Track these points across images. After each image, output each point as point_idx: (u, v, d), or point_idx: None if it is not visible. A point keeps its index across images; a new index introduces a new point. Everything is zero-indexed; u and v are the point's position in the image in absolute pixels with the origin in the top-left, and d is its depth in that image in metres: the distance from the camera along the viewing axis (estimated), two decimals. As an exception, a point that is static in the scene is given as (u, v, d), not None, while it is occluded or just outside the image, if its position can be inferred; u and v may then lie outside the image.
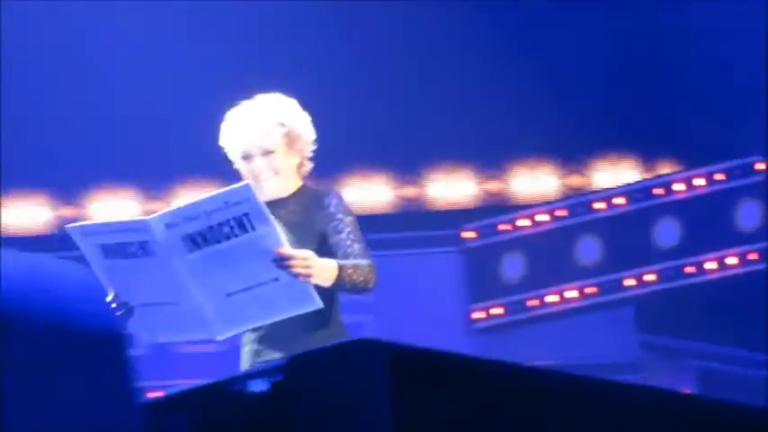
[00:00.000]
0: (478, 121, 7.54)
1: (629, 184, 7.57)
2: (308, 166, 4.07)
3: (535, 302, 7.35)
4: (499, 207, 7.61)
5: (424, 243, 7.49)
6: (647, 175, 7.72)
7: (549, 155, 7.65)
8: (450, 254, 7.40)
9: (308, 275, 3.74)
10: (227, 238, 3.83)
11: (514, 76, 7.67)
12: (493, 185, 7.63)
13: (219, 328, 3.98)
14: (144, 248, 3.94)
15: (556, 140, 7.62)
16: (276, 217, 3.95)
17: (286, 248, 3.81)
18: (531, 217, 7.40)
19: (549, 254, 7.40)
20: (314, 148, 4.07)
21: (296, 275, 3.77)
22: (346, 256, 3.93)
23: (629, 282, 7.39)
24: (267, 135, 3.99)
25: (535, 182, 7.65)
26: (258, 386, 1.94)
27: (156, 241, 3.89)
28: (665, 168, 7.74)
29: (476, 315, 7.32)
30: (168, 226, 3.87)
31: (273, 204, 3.99)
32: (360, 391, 1.86)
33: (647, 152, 7.90)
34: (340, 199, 4.06)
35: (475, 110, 7.59)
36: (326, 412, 1.90)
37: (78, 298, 1.75)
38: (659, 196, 7.45)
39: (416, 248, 7.40)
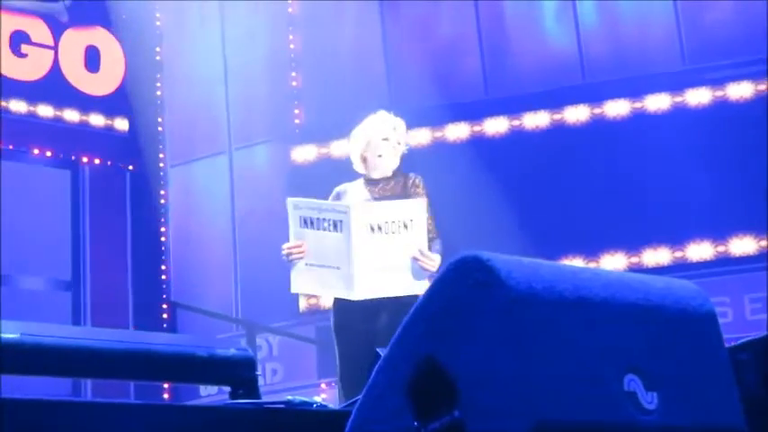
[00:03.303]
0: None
1: None
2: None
3: None
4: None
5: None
6: None
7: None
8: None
9: (431, 270, 4.49)
10: (393, 232, 4.50)
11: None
12: None
13: (360, 292, 4.52)
14: (335, 225, 4.49)
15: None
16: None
17: (424, 248, 4.53)
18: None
19: None
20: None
21: (423, 268, 4.49)
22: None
23: None
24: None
25: None
26: None
27: (349, 224, 4.44)
28: None
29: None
30: (363, 215, 4.47)
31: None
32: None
33: None
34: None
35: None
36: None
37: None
38: None
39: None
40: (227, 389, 2.49)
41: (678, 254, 8.98)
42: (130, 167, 10.33)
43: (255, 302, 10.07)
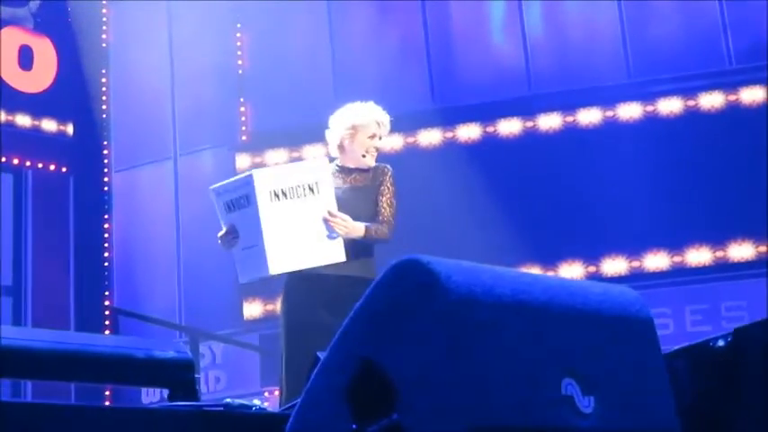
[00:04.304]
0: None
1: None
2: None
3: None
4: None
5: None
6: None
7: None
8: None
9: (342, 232, 4.40)
10: (299, 196, 4.32)
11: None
12: None
13: (274, 266, 4.29)
14: (247, 199, 4.30)
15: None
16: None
17: (333, 209, 4.39)
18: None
19: None
20: None
21: (333, 230, 4.34)
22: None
23: None
24: None
25: None
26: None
27: (254, 194, 4.24)
28: None
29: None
30: (264, 182, 4.25)
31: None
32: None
33: None
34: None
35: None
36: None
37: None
38: None
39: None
40: (167, 391, 2.47)
41: (635, 263, 9.04)
42: (74, 172, 10.24)
43: (199, 310, 10.02)
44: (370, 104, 4.99)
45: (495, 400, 2.04)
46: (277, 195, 4.29)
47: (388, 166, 4.91)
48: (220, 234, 4.53)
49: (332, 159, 4.98)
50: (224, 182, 4.51)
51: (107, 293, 10.12)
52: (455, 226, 8.79)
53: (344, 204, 4.62)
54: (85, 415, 2.13)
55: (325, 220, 4.43)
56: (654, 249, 9.04)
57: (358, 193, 4.78)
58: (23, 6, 9.96)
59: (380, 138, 4.90)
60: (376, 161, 4.94)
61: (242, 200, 4.35)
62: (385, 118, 4.95)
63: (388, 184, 4.84)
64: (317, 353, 2.38)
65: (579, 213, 9.08)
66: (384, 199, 4.79)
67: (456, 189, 9.06)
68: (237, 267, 4.51)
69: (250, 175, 4.35)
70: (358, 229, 4.58)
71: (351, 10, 10.27)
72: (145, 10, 10.66)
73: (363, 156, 4.86)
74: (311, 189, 4.36)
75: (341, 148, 4.92)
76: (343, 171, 4.91)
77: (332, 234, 4.44)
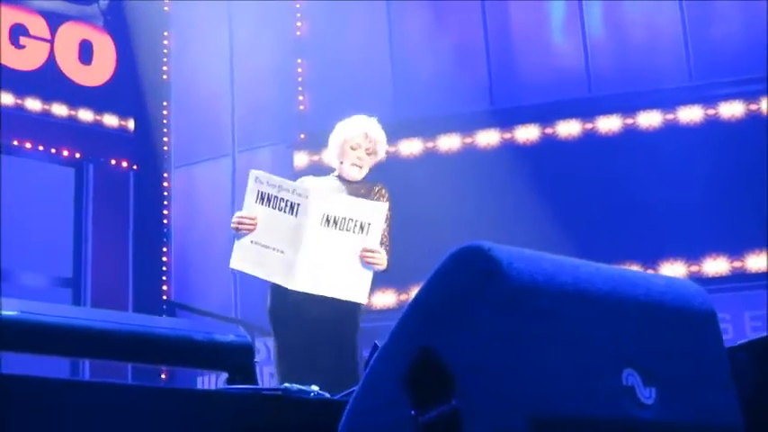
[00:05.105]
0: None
1: None
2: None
3: None
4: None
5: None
6: None
7: None
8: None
9: (375, 263, 4.35)
10: (348, 230, 4.30)
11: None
12: None
13: (299, 283, 4.35)
14: (292, 208, 4.32)
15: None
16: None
17: (373, 245, 4.34)
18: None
19: None
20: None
21: (368, 262, 4.31)
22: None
23: None
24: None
25: None
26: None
27: (306, 208, 4.27)
28: None
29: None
30: (323, 205, 4.29)
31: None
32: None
33: None
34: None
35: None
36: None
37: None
38: None
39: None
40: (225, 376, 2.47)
41: (694, 268, 8.93)
42: (135, 167, 10.34)
43: (255, 306, 10.03)
44: (371, 119, 5.03)
45: (554, 389, 2.01)
46: (328, 221, 4.30)
47: (386, 188, 4.89)
48: (241, 214, 4.52)
49: (332, 170, 5.01)
50: (273, 175, 4.51)
51: (165, 287, 10.21)
52: (511, 227, 8.73)
53: None
54: (144, 396, 2.14)
55: (362, 257, 4.40)
56: (713, 254, 8.93)
57: None
58: (92, 4, 10.07)
59: (368, 152, 4.90)
60: (371, 178, 4.98)
61: (283, 203, 4.34)
62: (378, 134, 4.96)
63: (388, 211, 4.79)
64: (376, 341, 2.37)
65: (637, 216, 8.99)
66: (387, 229, 4.73)
67: (513, 190, 9.01)
68: (236, 251, 4.54)
69: (308, 191, 4.39)
70: (385, 263, 4.54)
71: (410, 9, 10.26)
72: (205, 8, 10.74)
73: (341, 162, 4.90)
74: (362, 228, 4.34)
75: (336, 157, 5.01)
76: (341, 180, 4.99)
77: (364, 270, 4.40)
